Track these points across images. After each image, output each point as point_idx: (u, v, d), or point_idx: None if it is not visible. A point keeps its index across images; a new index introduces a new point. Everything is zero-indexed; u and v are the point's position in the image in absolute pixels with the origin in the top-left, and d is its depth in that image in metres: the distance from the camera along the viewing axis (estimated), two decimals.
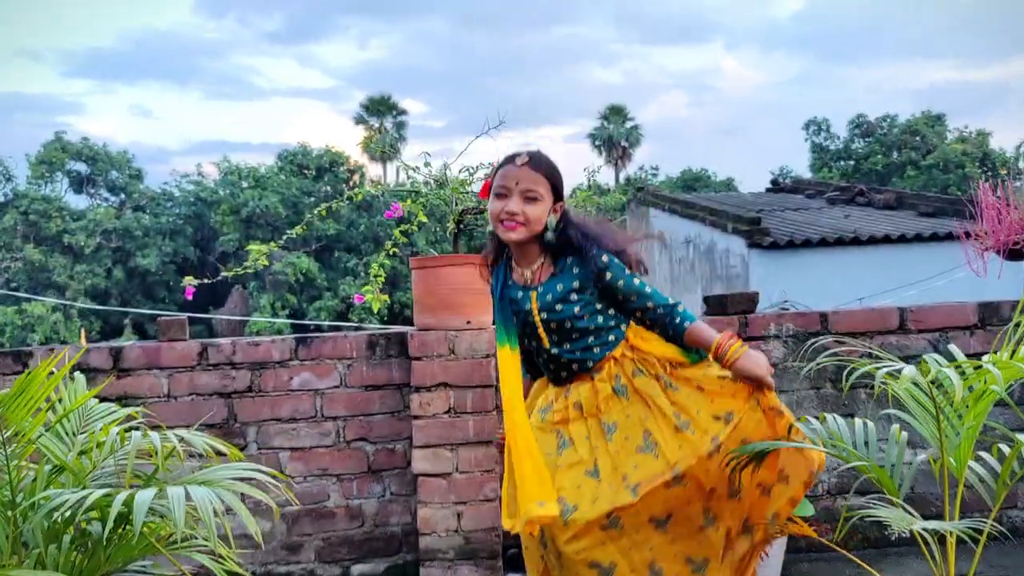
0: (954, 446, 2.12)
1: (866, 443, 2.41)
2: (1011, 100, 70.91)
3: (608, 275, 2.38)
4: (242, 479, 1.99)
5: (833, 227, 11.40)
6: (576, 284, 2.39)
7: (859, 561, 2.78)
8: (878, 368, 2.00)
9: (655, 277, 14.41)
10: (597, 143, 45.83)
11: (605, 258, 2.38)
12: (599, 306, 2.41)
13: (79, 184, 35.93)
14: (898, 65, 79.79)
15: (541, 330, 2.44)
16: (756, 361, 2.32)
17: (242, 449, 3.76)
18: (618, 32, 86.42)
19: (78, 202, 35.22)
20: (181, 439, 2.01)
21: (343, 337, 3.86)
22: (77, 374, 2.49)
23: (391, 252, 3.96)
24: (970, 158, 33.90)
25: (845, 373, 2.12)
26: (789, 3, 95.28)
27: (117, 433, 2.06)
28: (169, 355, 3.76)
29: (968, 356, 2.22)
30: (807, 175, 36.14)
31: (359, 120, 43.60)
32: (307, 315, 29.38)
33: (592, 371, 2.42)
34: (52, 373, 1.97)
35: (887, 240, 10.67)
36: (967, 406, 2.08)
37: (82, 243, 31.37)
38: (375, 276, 3.96)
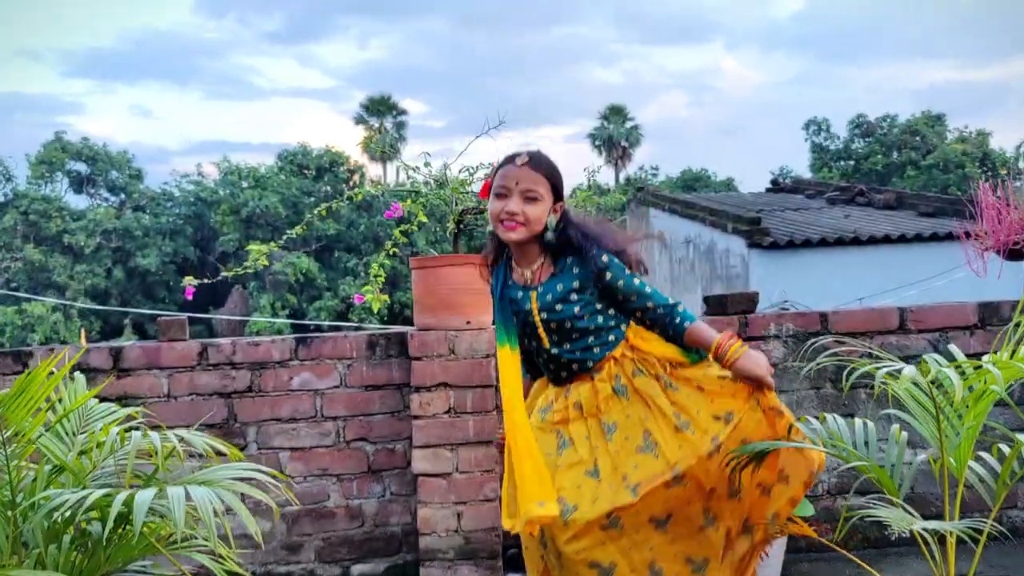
0: (954, 446, 2.12)
1: (866, 443, 2.41)
2: (1011, 100, 70.94)
3: (608, 275, 2.38)
4: (242, 479, 1.99)
5: (833, 227, 11.40)
6: (576, 284, 2.39)
7: (859, 561, 2.78)
8: (878, 368, 2.00)
9: (655, 277, 14.41)
10: (597, 143, 45.85)
11: (605, 258, 2.38)
12: (599, 306, 2.41)
13: (79, 184, 35.93)
14: (898, 65, 79.87)
15: (541, 330, 2.44)
16: (756, 361, 2.31)
17: (242, 449, 3.76)
18: (618, 32, 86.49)
19: (78, 202, 35.28)
20: (181, 439, 2.01)
21: (343, 337, 3.86)
22: (77, 374, 2.50)
23: (391, 252, 3.96)
24: (970, 158, 33.91)
25: (845, 373, 2.12)
26: (789, 3, 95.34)
27: (117, 433, 2.06)
28: (169, 355, 3.76)
29: (968, 356, 2.22)
30: (807, 175, 36.16)
31: (359, 120, 43.62)
32: (307, 315, 29.38)
33: (592, 371, 2.42)
34: (52, 373, 1.97)
35: (887, 240, 10.67)
36: (967, 406, 2.08)
37: (82, 243, 31.37)
38: (375, 276, 3.96)
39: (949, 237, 9.87)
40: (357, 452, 3.84)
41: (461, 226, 3.75)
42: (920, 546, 2.16)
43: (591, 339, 2.41)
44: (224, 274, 4.37)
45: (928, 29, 79.14)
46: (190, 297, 4.02)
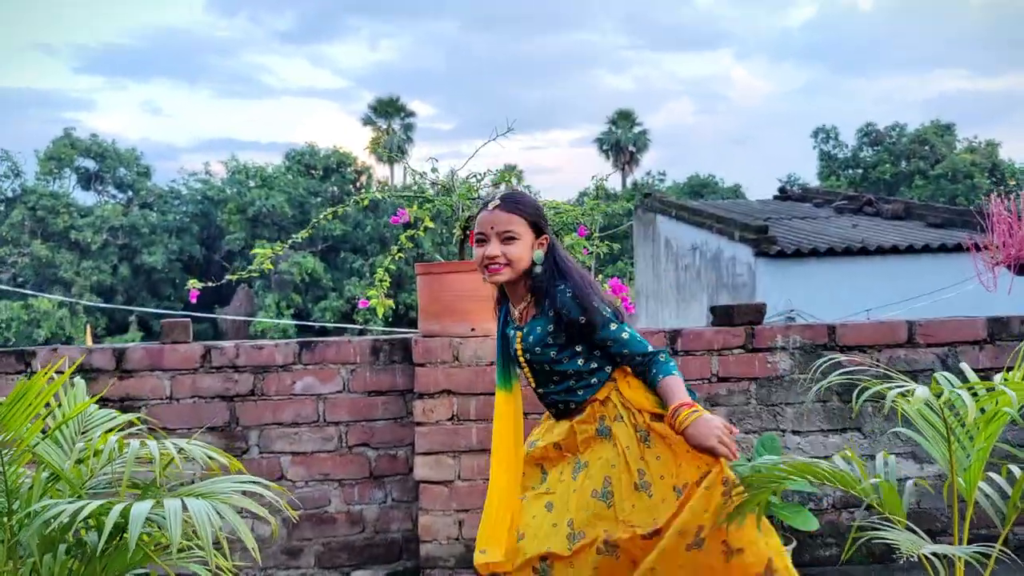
0: (964, 467, 2.09)
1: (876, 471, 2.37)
2: (1021, 111, 70.75)
3: (565, 314, 2.31)
4: (241, 492, 1.97)
5: (841, 236, 11.35)
6: (551, 327, 2.35)
7: None
8: (889, 388, 1.97)
9: (661, 284, 14.37)
10: (604, 148, 45.84)
11: (568, 295, 2.31)
12: (578, 348, 2.36)
13: (87, 180, 36.04)
14: (908, 75, 79.74)
15: (527, 370, 2.46)
16: (706, 431, 2.18)
17: (244, 453, 3.75)
18: (628, 38, 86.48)
19: (86, 198, 35.42)
20: (180, 450, 1.98)
21: (347, 342, 3.84)
22: (77, 379, 2.48)
23: (396, 257, 3.95)
24: (979, 168, 33.79)
25: (856, 392, 2.08)
26: (799, 13, 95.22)
27: (116, 441, 2.04)
28: (172, 357, 3.75)
29: (977, 371, 2.19)
30: (815, 183, 36.07)
31: (367, 121, 43.68)
32: (312, 315, 29.40)
33: (574, 412, 2.41)
34: (52, 379, 1.96)
35: (895, 251, 10.61)
36: (978, 427, 2.05)
37: (89, 239, 31.45)
38: (380, 281, 3.94)
39: (958, 248, 9.83)
40: (359, 458, 3.82)
41: (467, 232, 3.72)
42: (927, 567, 2.13)
43: (571, 382, 2.38)
44: (228, 277, 4.36)
45: (938, 39, 79.00)
46: (194, 300, 4.01)
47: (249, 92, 75.04)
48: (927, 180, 34.37)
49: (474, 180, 3.79)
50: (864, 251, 10.55)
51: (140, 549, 1.95)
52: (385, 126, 42.89)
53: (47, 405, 2.00)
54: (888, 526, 2.10)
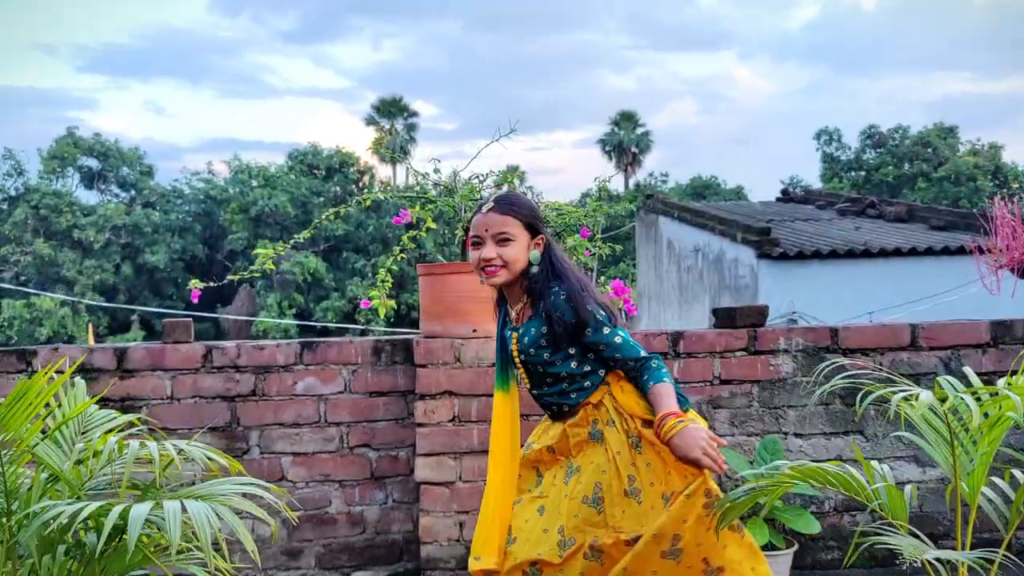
0: (967, 472, 2.08)
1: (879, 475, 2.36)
2: None
3: (557, 315, 2.29)
4: (241, 494, 1.97)
5: (843, 239, 11.33)
6: (544, 328, 2.34)
7: None
8: (894, 392, 1.96)
9: (663, 286, 14.36)
10: (607, 148, 45.83)
11: (563, 298, 2.30)
12: (572, 351, 2.35)
13: (90, 179, 36.07)
14: (911, 76, 79.62)
15: (522, 371, 2.46)
16: (690, 442, 2.15)
17: (244, 453, 3.74)
18: (631, 38, 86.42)
19: (89, 197, 35.43)
20: (180, 451, 1.98)
21: (348, 342, 3.84)
22: (78, 379, 2.47)
23: (399, 258, 3.94)
24: (982, 171, 33.76)
25: (860, 396, 2.07)
26: (802, 14, 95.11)
27: (116, 442, 2.03)
28: (173, 357, 3.74)
29: (980, 375, 2.18)
30: (817, 184, 36.04)
31: (370, 121, 43.69)
32: (314, 315, 29.41)
33: (567, 415, 2.40)
34: (52, 379, 1.95)
35: (898, 253, 10.60)
36: (982, 432, 2.04)
37: (92, 238, 31.48)
38: (382, 281, 3.94)
39: (961, 251, 9.81)
40: (360, 458, 3.81)
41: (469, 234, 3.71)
42: (930, 572, 2.12)
43: (564, 384, 2.37)
44: (230, 277, 4.36)
45: (942, 41, 78.92)
46: (196, 300, 4.01)
47: (252, 92, 75.13)
48: (930, 182, 34.34)
49: (476, 181, 3.79)
50: (867, 253, 10.53)
51: (139, 550, 1.94)
52: (388, 126, 42.90)
53: (47, 405, 2.00)
54: (891, 531, 2.09)
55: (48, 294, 25.35)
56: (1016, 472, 2.28)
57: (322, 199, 33.12)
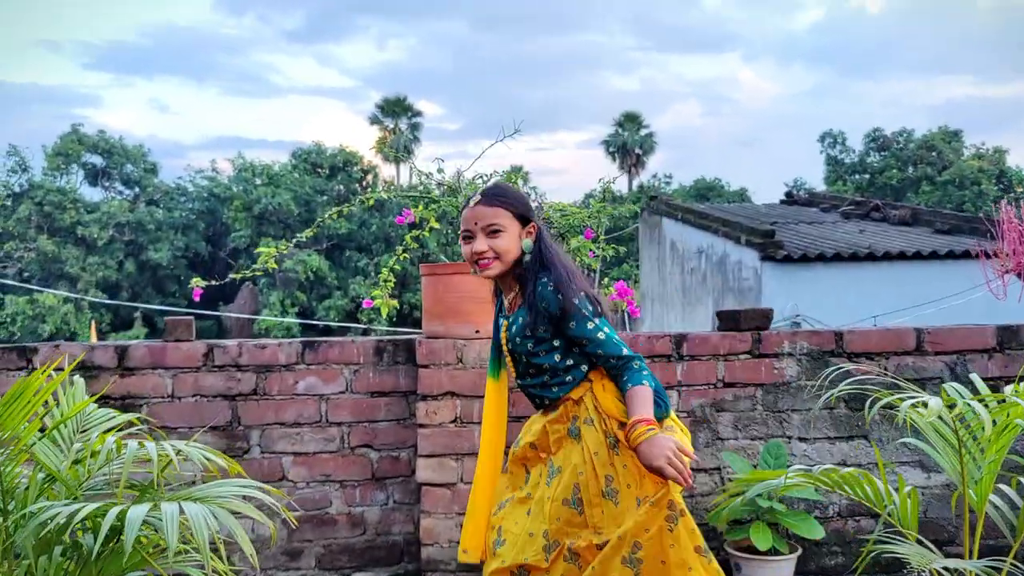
0: (975, 479, 2.05)
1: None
2: None
3: (543, 305, 2.28)
4: (241, 496, 1.95)
5: (847, 242, 11.30)
6: (530, 318, 2.32)
7: None
8: (901, 399, 1.93)
9: (667, 287, 14.33)
10: (611, 150, 45.77)
11: (550, 288, 2.27)
12: (556, 343, 2.33)
13: (94, 176, 36.08)
14: (915, 80, 79.45)
15: (509, 360, 2.45)
16: (656, 451, 2.11)
17: (245, 453, 3.72)
18: (635, 40, 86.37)
19: (92, 194, 35.43)
20: (178, 452, 1.96)
21: (350, 342, 3.82)
22: (76, 377, 2.45)
23: (401, 257, 3.92)
24: (986, 175, 33.67)
25: (868, 403, 2.05)
26: (807, 16, 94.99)
27: (114, 441, 2.01)
28: (174, 355, 3.72)
29: (986, 380, 2.16)
30: (821, 187, 35.99)
31: (374, 121, 43.67)
32: (316, 314, 29.40)
33: (548, 409, 2.39)
34: (51, 377, 1.93)
35: (902, 256, 10.57)
36: (990, 440, 2.01)
37: (95, 235, 31.50)
38: (385, 281, 3.92)
39: (965, 255, 9.78)
40: (361, 459, 3.79)
41: None
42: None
43: (546, 377, 2.36)
44: (233, 275, 4.34)
45: (946, 45, 78.78)
46: (197, 299, 3.99)
47: (256, 90, 75.17)
48: (934, 186, 34.27)
49: (480, 181, 3.77)
50: (871, 257, 10.50)
51: (136, 552, 1.92)
52: (392, 125, 42.89)
53: (45, 404, 1.98)
54: (898, 539, 2.07)
55: (51, 291, 25.38)
56: (1023, 479, 2.25)
57: (325, 198, 33.12)
